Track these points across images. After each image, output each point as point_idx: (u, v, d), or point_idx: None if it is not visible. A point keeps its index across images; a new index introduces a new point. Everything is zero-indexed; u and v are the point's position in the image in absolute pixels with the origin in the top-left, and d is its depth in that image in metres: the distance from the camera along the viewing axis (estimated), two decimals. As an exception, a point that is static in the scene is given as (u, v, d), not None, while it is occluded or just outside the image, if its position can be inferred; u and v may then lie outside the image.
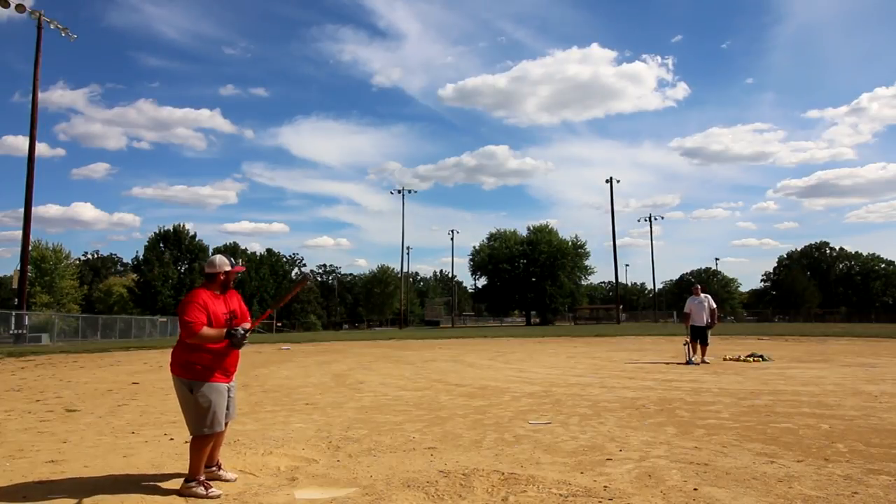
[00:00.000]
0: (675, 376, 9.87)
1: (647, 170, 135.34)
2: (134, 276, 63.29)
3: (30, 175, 27.23)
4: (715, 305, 12.69)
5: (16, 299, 27.84)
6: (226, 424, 3.85)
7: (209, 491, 3.63)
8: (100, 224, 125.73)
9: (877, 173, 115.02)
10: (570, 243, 67.26)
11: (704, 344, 12.27)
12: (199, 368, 3.68)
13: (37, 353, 18.06)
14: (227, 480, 3.89)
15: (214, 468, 3.92)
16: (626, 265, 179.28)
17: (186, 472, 3.80)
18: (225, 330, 3.70)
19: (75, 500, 3.53)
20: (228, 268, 3.84)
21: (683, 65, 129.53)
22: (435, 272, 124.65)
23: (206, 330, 3.62)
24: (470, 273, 72.45)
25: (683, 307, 12.85)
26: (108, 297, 69.62)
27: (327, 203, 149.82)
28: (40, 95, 28.44)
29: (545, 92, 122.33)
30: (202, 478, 3.71)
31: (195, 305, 3.64)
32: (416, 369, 11.98)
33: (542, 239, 66.53)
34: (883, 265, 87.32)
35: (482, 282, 71.59)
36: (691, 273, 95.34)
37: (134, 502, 3.53)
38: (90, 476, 4.08)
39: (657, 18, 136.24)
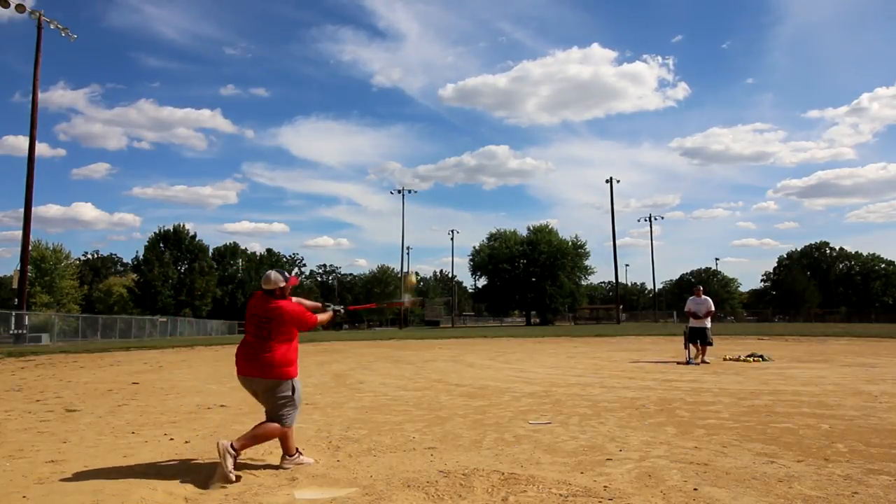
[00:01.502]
0: (675, 376, 9.87)
1: (647, 170, 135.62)
2: (134, 276, 63.28)
3: (30, 175, 27.24)
4: (713, 308, 12.73)
5: (16, 299, 27.85)
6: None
7: (303, 457, 4.32)
8: (100, 224, 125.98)
9: (877, 173, 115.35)
10: (570, 243, 67.28)
11: (705, 344, 12.28)
12: (295, 366, 4.25)
13: (37, 353, 18.07)
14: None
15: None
16: (626, 265, 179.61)
17: (186, 471, 3.88)
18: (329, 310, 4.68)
19: (75, 501, 3.53)
20: (283, 283, 4.20)
21: (684, 65, 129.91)
22: (435, 272, 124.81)
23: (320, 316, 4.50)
24: (470, 273, 72.58)
25: (684, 307, 12.93)
26: (108, 297, 69.66)
27: (327, 203, 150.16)
28: (40, 95, 28.47)
29: (545, 92, 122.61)
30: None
31: (293, 303, 4.26)
32: (416, 369, 11.97)
33: (542, 239, 66.54)
34: (883, 265, 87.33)
35: (482, 282, 71.69)
36: (691, 273, 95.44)
37: (133, 502, 3.53)
38: (90, 476, 4.07)
39: (657, 18, 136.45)
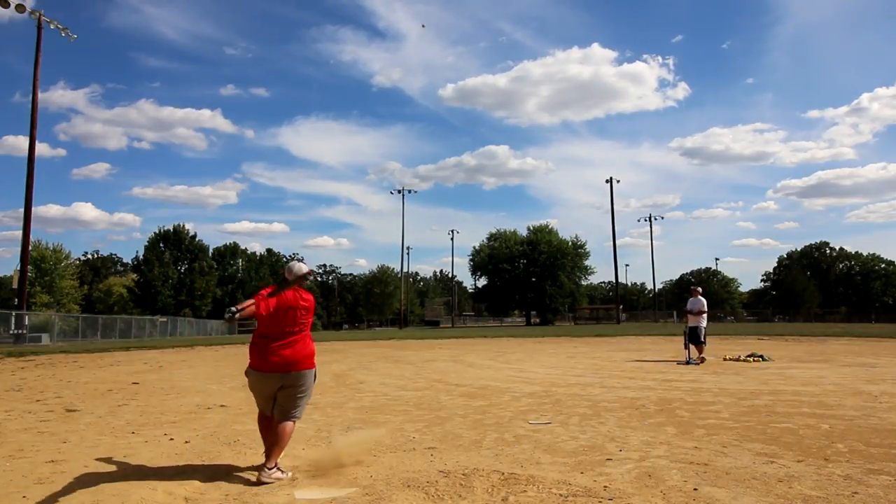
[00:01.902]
0: (675, 376, 9.87)
1: (647, 170, 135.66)
2: (134, 276, 63.28)
3: (30, 175, 27.25)
4: (704, 308, 12.82)
5: (16, 299, 27.84)
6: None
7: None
8: (100, 224, 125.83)
9: (877, 173, 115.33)
10: (570, 243, 67.28)
11: (698, 343, 12.39)
12: None
13: (37, 353, 18.06)
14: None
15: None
16: (626, 265, 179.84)
17: (186, 472, 3.84)
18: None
19: (75, 501, 3.53)
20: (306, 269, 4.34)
21: (684, 65, 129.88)
22: (435, 272, 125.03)
23: None
24: (470, 273, 72.58)
25: (686, 306, 13.05)
26: (108, 297, 69.64)
27: (327, 203, 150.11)
28: (41, 95, 28.48)
29: (546, 92, 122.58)
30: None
31: None
32: (416, 369, 11.97)
33: (542, 239, 66.53)
34: (883, 265, 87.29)
35: (482, 282, 71.69)
36: (691, 273, 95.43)
37: (134, 502, 3.53)
38: (90, 476, 4.07)
39: (657, 18, 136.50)
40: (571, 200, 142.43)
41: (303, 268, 4.25)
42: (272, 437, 4.09)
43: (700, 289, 13.18)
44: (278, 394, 4.12)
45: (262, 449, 4.82)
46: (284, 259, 79.57)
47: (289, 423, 4.11)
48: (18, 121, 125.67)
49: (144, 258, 58.93)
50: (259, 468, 4.01)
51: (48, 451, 4.85)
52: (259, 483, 3.85)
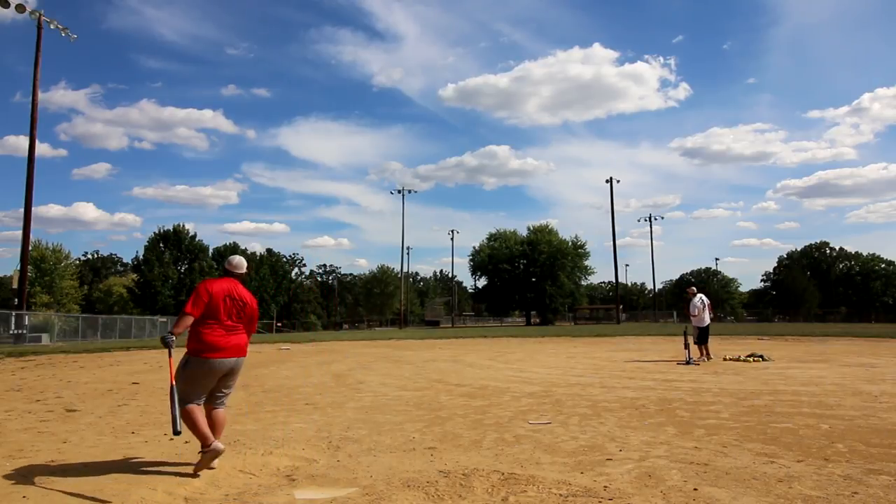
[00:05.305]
0: (675, 376, 9.87)
1: (647, 170, 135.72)
2: (134, 276, 63.26)
3: (30, 175, 27.24)
4: (691, 311, 12.89)
5: (16, 299, 27.84)
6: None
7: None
8: (101, 224, 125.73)
9: (878, 173, 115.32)
10: (570, 243, 67.20)
11: (696, 343, 12.46)
12: None
13: (37, 353, 18.06)
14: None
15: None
16: (626, 265, 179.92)
17: (185, 472, 3.93)
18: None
19: (75, 501, 3.53)
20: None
21: (685, 65, 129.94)
22: (435, 272, 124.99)
23: None
24: (470, 273, 72.48)
25: (700, 307, 12.92)
26: (108, 297, 69.62)
27: (327, 203, 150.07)
28: (41, 95, 28.49)
29: (547, 92, 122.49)
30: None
31: None
32: (416, 369, 11.97)
33: (542, 239, 66.47)
34: (883, 265, 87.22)
35: (482, 282, 71.55)
36: (691, 273, 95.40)
37: (133, 502, 3.53)
38: (90, 476, 4.07)
39: (658, 19, 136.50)
40: (571, 200, 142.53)
41: (243, 264, 4.47)
42: (216, 426, 4.26)
43: (693, 289, 13.21)
44: (221, 380, 4.28)
45: (263, 449, 4.83)
46: (284, 259, 79.74)
47: (224, 411, 4.41)
48: (19, 121, 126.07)
49: (144, 258, 58.87)
50: (207, 451, 4.08)
51: (48, 451, 4.85)
52: (217, 453, 4.07)
